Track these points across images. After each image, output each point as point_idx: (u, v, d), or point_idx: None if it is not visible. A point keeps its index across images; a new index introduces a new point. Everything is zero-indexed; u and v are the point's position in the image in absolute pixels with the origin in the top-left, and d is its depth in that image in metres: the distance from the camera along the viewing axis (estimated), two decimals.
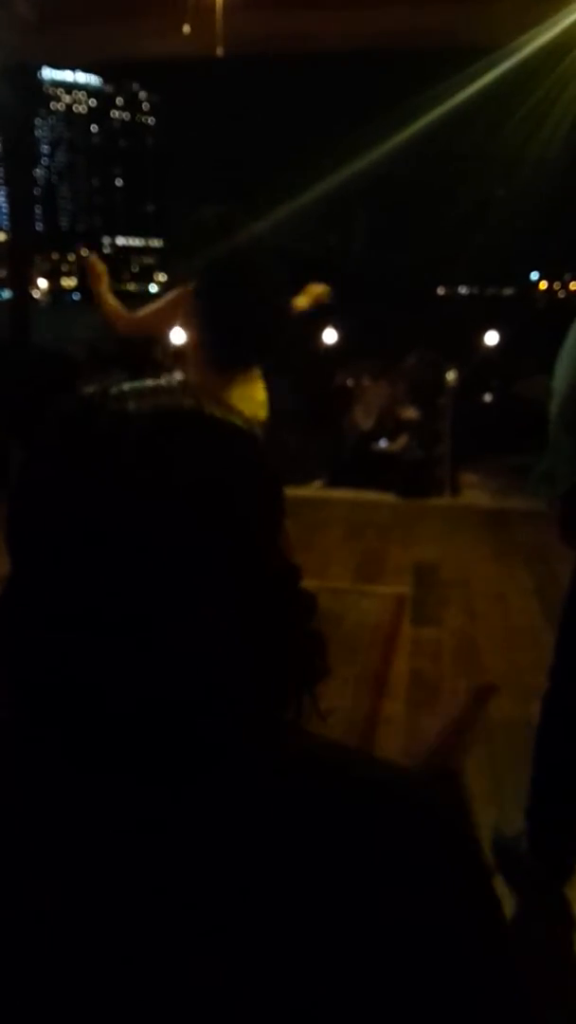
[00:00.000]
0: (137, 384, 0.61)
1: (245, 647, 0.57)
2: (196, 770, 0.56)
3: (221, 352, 3.33)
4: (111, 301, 3.43)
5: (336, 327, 10.25)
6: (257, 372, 3.46)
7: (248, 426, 0.62)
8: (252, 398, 3.41)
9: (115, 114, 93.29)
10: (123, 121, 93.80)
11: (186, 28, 3.32)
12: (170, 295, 3.40)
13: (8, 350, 8.07)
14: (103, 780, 0.56)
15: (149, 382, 0.61)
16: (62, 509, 0.56)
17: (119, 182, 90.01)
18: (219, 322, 3.30)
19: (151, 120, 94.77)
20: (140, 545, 0.54)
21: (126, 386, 0.59)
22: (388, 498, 5.96)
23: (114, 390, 0.59)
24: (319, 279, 3.83)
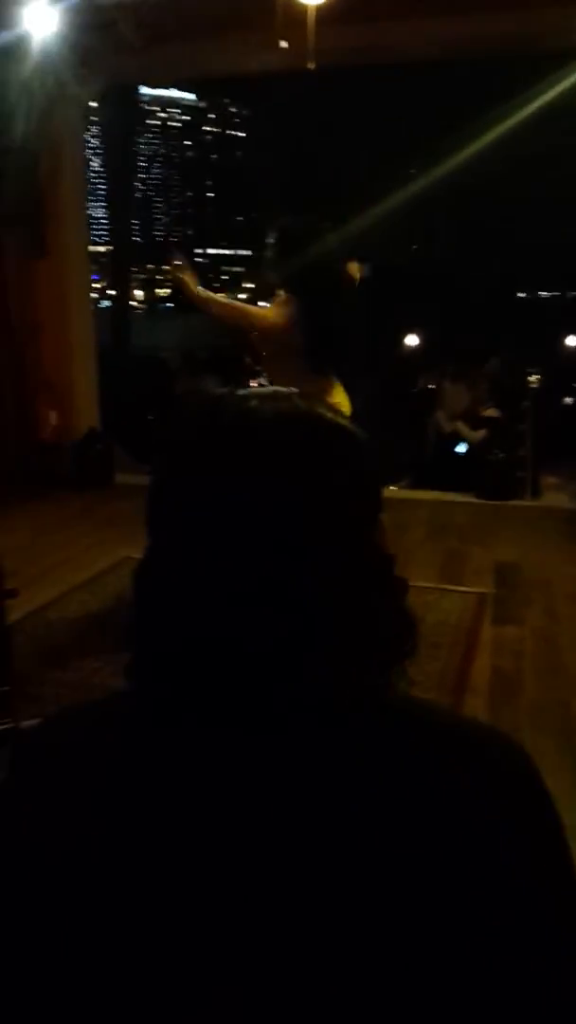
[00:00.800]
0: (256, 389, 0.71)
1: (348, 618, 0.64)
2: (307, 722, 0.63)
3: (318, 356, 3.46)
4: (206, 295, 3.56)
5: (419, 331, 10.29)
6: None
7: (354, 428, 0.69)
8: (341, 401, 3.53)
9: (207, 128, 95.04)
10: (215, 135, 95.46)
11: (283, 44, 3.45)
12: (280, 299, 3.53)
13: (110, 356, 8.34)
14: (224, 732, 0.63)
15: (267, 388, 0.71)
16: (197, 491, 0.65)
17: (210, 194, 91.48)
18: (319, 326, 3.43)
19: (241, 134, 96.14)
20: (261, 524, 0.63)
21: (247, 390, 0.69)
22: (470, 499, 6.00)
23: (239, 392, 0.69)
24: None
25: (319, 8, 3.56)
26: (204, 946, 0.61)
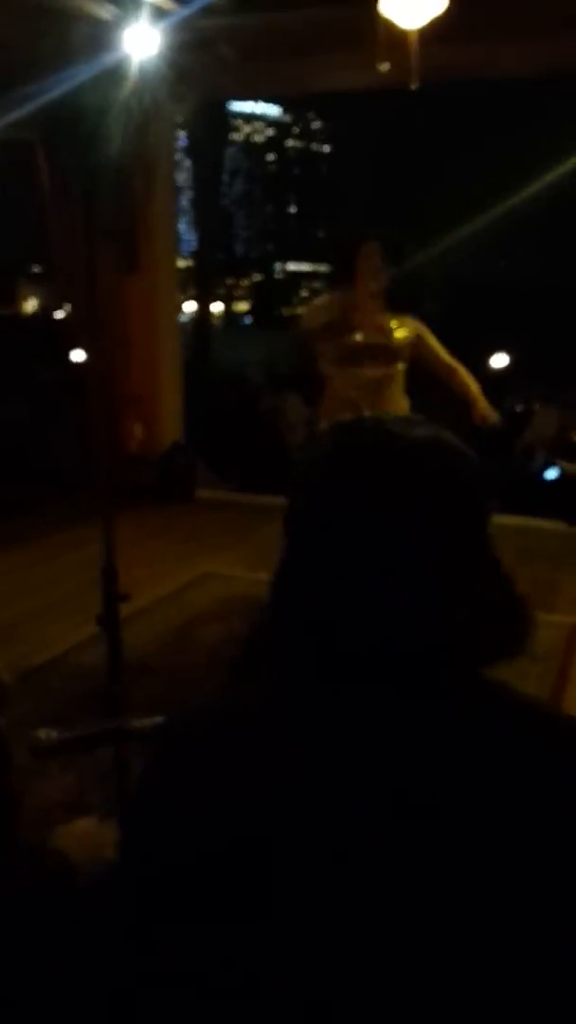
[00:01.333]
0: (390, 414, 0.84)
1: (471, 610, 0.74)
2: (437, 696, 0.73)
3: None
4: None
5: (508, 350, 10.14)
6: None
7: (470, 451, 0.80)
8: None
9: (290, 143, 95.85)
10: (298, 149, 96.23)
11: (384, 66, 3.42)
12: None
13: (192, 371, 8.46)
14: (371, 700, 0.73)
15: (398, 415, 0.82)
16: (339, 503, 0.74)
17: (292, 209, 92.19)
18: None
19: (325, 148, 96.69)
20: (397, 530, 0.72)
21: (383, 416, 0.81)
22: (559, 526, 5.85)
23: (376, 417, 0.80)
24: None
25: (422, 29, 3.52)
26: (350, 882, 0.69)
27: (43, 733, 1.38)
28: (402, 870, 0.69)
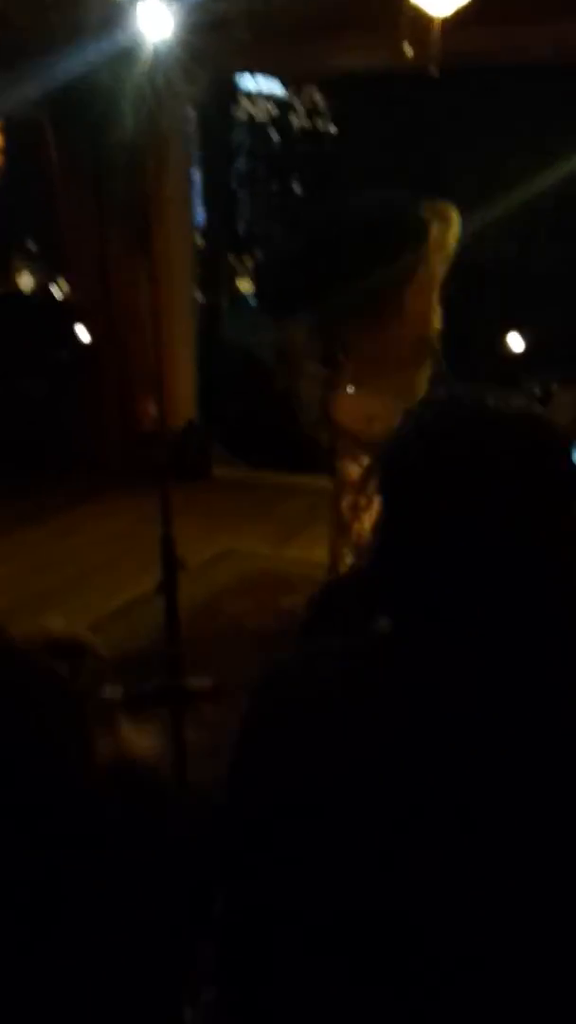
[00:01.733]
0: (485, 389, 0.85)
1: (557, 577, 0.79)
2: (532, 648, 0.79)
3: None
4: None
5: (524, 331, 10.13)
6: None
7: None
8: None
9: (295, 121, 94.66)
10: (303, 128, 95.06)
11: (408, 50, 3.43)
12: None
13: (203, 350, 8.49)
14: (469, 652, 0.79)
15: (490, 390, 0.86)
16: (437, 466, 0.80)
17: (296, 188, 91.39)
18: None
19: (332, 128, 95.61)
20: (493, 497, 0.77)
21: (476, 389, 0.84)
22: None
23: (472, 390, 0.84)
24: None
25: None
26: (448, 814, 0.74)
27: (109, 690, 1.47)
28: (502, 810, 0.74)
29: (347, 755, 0.79)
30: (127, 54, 5.19)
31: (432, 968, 0.76)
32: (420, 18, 3.48)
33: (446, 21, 3.61)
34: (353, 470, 3.34)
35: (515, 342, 10.03)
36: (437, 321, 3.53)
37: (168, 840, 1.33)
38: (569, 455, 0.82)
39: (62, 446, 6.91)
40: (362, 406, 3.25)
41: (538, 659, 0.79)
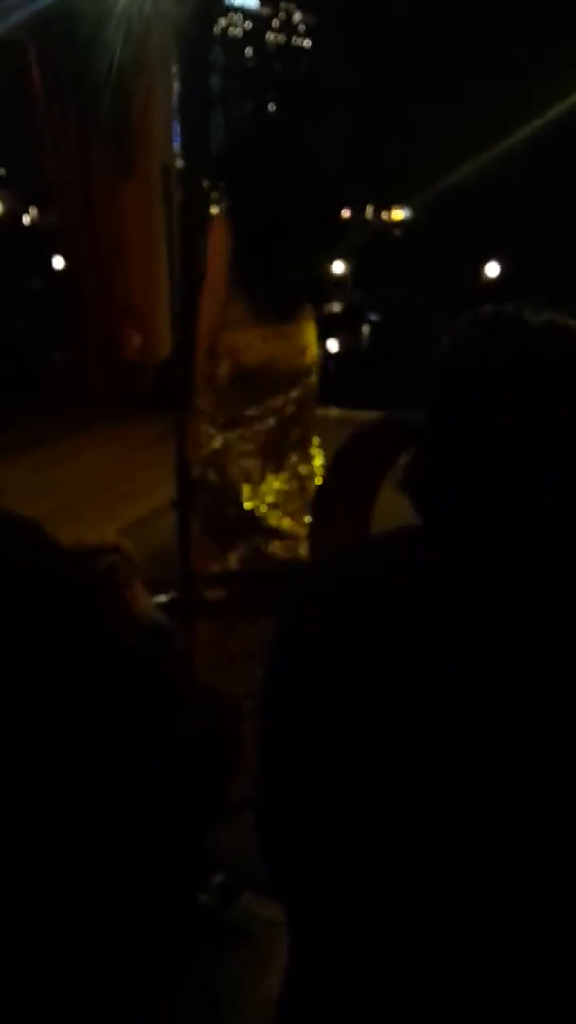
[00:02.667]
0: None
1: None
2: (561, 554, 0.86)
3: (261, 289, 3.20)
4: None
5: (501, 258, 10.11)
6: None
7: None
8: (304, 345, 3.38)
9: (270, 37, 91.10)
10: (278, 44, 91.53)
11: None
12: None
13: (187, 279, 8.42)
14: (501, 558, 0.86)
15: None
16: (484, 377, 0.86)
17: (271, 107, 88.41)
18: (255, 245, 3.16)
19: (306, 43, 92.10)
20: (535, 415, 0.84)
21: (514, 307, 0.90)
22: None
23: (510, 307, 0.90)
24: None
25: None
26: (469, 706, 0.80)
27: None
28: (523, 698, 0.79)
29: (384, 639, 0.85)
30: None
31: (458, 836, 0.82)
32: None
33: None
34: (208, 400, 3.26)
35: (492, 270, 10.02)
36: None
37: (188, 727, 1.49)
38: None
39: (45, 377, 6.92)
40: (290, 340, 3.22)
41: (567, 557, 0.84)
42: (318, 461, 3.46)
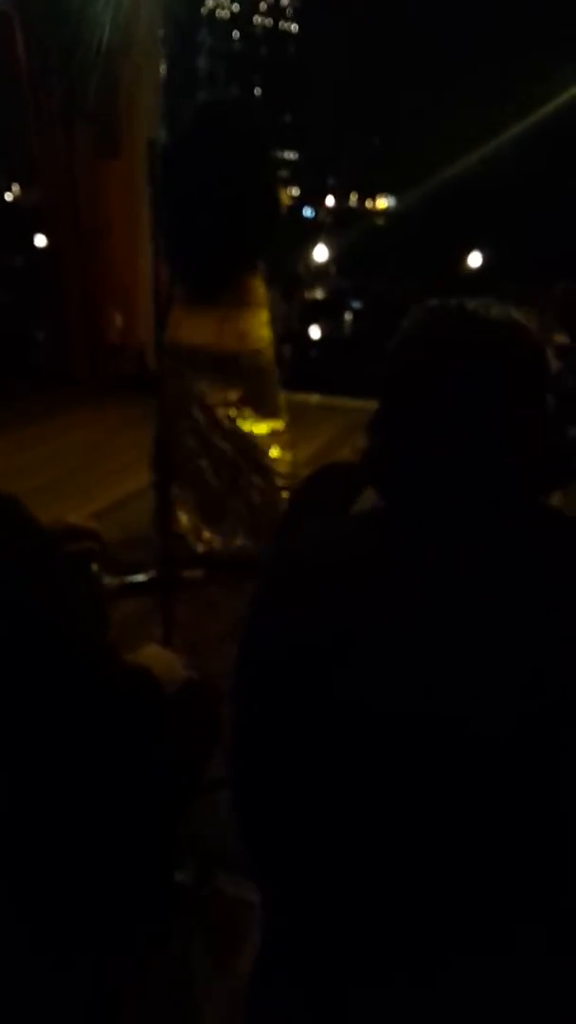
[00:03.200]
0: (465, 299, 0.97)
1: (526, 449, 0.92)
2: (500, 519, 0.90)
3: (192, 274, 3.18)
4: None
5: (482, 249, 10.16)
6: None
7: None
8: (255, 333, 3.32)
9: (257, 20, 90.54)
10: (265, 27, 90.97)
11: None
12: None
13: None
14: (447, 520, 0.91)
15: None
16: (430, 363, 0.93)
17: (257, 91, 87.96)
18: (179, 231, 3.09)
19: (293, 27, 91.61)
20: (472, 388, 0.90)
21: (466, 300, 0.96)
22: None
23: (455, 301, 0.96)
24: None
25: None
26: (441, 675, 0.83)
27: (110, 579, 1.62)
28: (466, 658, 0.82)
29: (354, 619, 0.87)
30: None
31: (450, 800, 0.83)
32: None
33: None
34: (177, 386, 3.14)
35: (474, 260, 10.07)
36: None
37: (161, 713, 1.48)
38: (539, 354, 0.95)
39: (26, 356, 6.87)
40: (231, 323, 3.14)
41: (504, 525, 0.90)
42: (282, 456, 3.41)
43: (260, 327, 3.24)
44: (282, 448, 3.36)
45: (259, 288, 3.25)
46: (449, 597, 0.85)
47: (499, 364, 0.92)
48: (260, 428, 3.28)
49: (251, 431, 3.26)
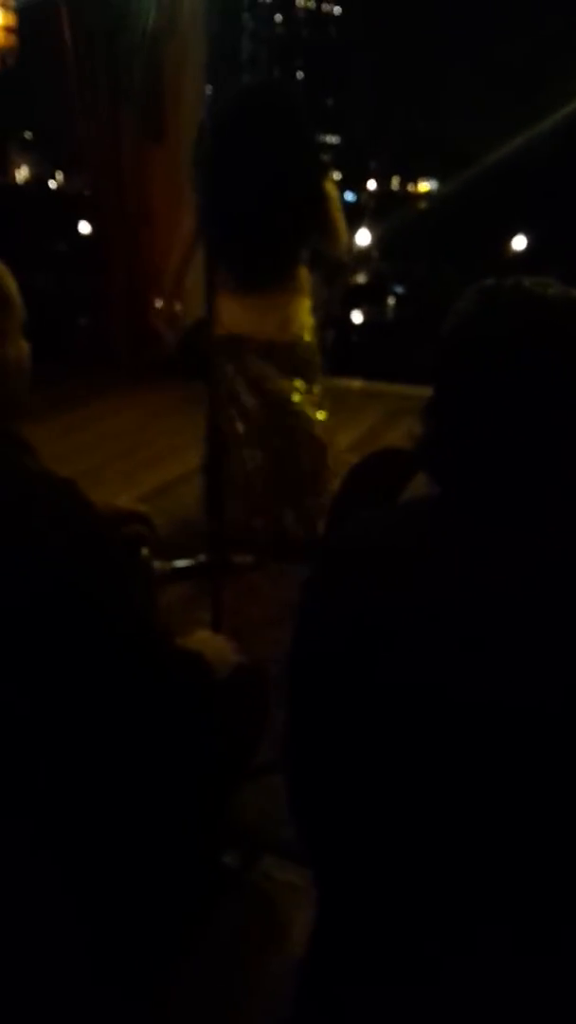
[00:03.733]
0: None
1: None
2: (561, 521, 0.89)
3: (239, 261, 3.09)
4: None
5: (527, 231, 10.02)
6: None
7: None
8: (299, 321, 3.29)
9: (300, 2, 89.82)
10: (307, 10, 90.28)
11: None
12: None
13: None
14: (500, 519, 0.89)
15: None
16: (485, 345, 0.89)
17: (300, 75, 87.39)
18: (226, 216, 2.99)
19: (336, 10, 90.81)
20: (538, 380, 0.86)
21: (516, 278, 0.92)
22: None
23: (512, 279, 0.92)
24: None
25: None
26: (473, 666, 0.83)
27: (158, 564, 1.63)
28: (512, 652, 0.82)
29: (409, 604, 0.88)
30: None
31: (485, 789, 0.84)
32: None
33: None
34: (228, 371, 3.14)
35: (518, 243, 9.93)
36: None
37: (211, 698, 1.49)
38: None
39: (70, 341, 6.91)
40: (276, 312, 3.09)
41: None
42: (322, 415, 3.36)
43: (302, 314, 3.21)
44: (327, 435, 3.36)
45: (302, 275, 3.22)
46: (500, 585, 0.85)
47: (559, 345, 0.87)
48: (309, 410, 3.28)
49: (301, 410, 3.25)
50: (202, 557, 2.25)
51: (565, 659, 0.81)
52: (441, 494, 0.95)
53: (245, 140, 2.78)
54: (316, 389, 3.33)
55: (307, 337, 3.27)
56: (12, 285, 1.24)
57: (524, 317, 0.88)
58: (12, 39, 5.53)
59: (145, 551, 1.59)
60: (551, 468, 0.88)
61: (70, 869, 1.23)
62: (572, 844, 0.82)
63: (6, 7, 6.73)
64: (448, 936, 0.89)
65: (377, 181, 62.53)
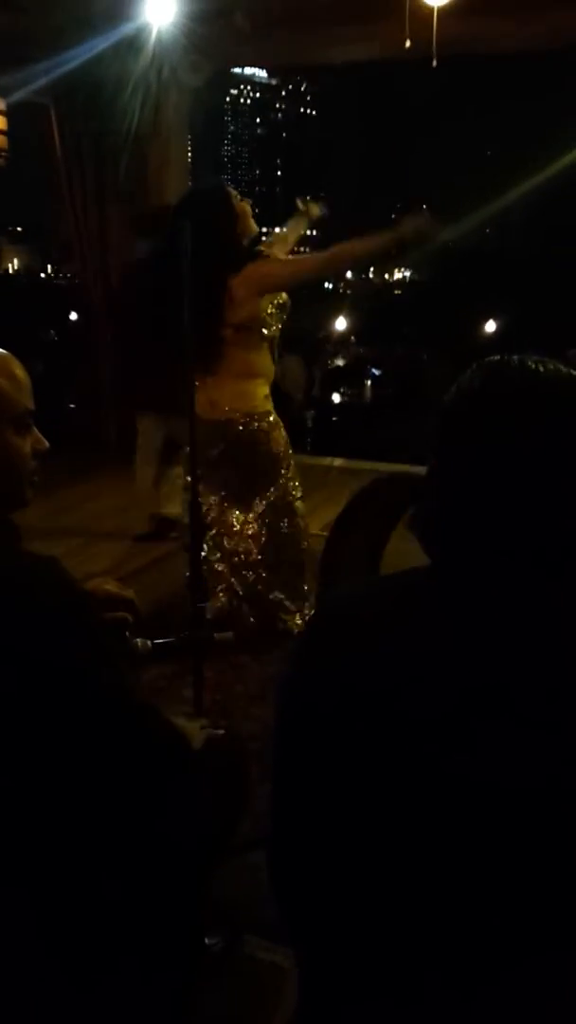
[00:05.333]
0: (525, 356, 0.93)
1: None
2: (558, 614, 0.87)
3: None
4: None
5: (498, 316, 10.33)
6: None
7: None
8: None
9: (279, 106, 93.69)
10: (286, 114, 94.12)
11: (408, 43, 3.55)
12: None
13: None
14: (504, 585, 0.87)
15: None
16: (488, 419, 0.88)
17: (279, 173, 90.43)
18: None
19: (313, 112, 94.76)
20: (542, 460, 0.85)
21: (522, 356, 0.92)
22: None
23: (515, 356, 0.91)
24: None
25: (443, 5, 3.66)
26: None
27: (139, 641, 1.63)
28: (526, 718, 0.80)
29: (398, 676, 0.86)
30: (133, 43, 5.27)
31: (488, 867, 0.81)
32: (423, 9, 3.57)
33: (443, 10, 3.72)
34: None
35: (490, 327, 10.25)
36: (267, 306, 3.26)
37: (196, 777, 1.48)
38: None
39: (58, 424, 6.97)
40: (204, 392, 3.07)
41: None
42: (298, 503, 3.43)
43: (233, 397, 3.24)
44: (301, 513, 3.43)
45: (250, 359, 3.26)
46: (492, 661, 0.84)
47: (563, 423, 0.86)
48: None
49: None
50: (184, 633, 2.24)
51: (555, 738, 0.80)
52: (433, 566, 0.93)
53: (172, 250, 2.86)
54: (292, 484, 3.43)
55: (244, 418, 3.27)
56: (2, 380, 1.27)
57: (530, 393, 0.87)
58: (3, 140, 5.74)
59: (128, 635, 1.60)
60: (551, 546, 0.86)
61: (44, 953, 1.21)
62: (559, 927, 0.81)
63: None
64: (435, 1016, 0.87)
65: (354, 271, 64.40)
